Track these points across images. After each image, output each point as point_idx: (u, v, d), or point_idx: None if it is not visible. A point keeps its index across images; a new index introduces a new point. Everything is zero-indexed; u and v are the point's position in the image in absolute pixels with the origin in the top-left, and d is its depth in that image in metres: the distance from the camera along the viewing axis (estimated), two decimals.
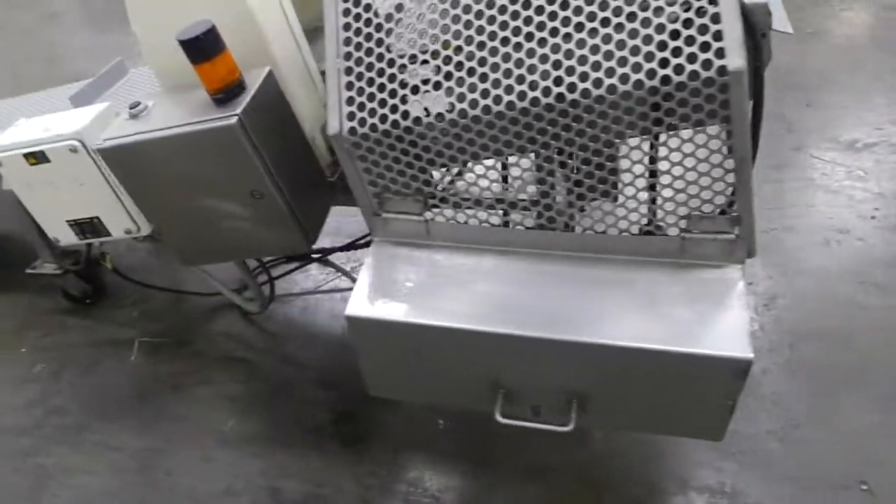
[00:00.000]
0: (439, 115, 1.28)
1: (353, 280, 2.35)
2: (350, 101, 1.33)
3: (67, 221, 1.90)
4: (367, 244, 2.23)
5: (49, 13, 4.70)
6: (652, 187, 1.28)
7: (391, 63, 1.29)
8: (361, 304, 1.36)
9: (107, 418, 2.01)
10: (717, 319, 1.22)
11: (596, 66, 1.14)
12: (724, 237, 1.26)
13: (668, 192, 1.25)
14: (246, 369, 2.10)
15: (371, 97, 1.31)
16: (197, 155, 1.42)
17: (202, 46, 1.35)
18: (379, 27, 1.32)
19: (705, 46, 1.08)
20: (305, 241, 1.53)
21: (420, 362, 1.43)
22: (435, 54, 1.29)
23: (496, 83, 1.21)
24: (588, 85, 1.14)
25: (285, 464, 1.84)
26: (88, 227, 1.91)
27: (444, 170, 1.41)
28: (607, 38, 1.14)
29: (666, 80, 1.10)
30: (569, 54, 1.16)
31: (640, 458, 1.72)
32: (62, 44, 4.30)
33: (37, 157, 1.79)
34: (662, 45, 1.11)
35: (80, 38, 4.37)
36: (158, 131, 1.42)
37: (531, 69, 1.18)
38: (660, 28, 1.12)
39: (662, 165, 1.24)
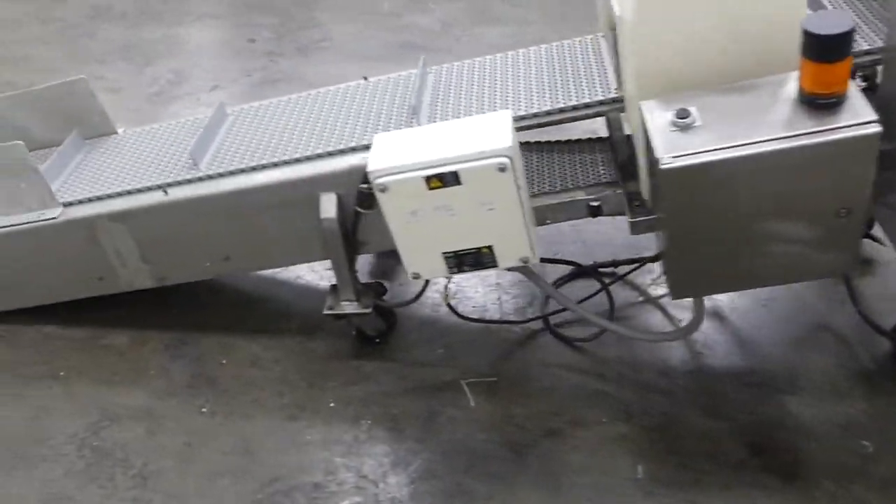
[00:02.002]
0: None
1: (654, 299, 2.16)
2: None
3: (444, 253, 1.62)
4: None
5: (93, 6, 4.10)
6: None
7: None
8: None
9: (490, 477, 1.72)
10: None
11: None
12: None
13: None
14: (615, 405, 1.87)
15: None
16: (800, 170, 1.21)
17: (839, 45, 1.13)
18: None
19: None
20: (857, 261, 1.35)
21: None
22: None
23: None
24: None
25: None
26: (472, 258, 1.63)
27: None
28: None
29: None
30: None
31: None
32: (138, 41, 3.73)
33: (444, 180, 1.50)
34: None
35: (150, 33, 3.81)
36: (758, 145, 1.20)
37: None
38: None
39: None
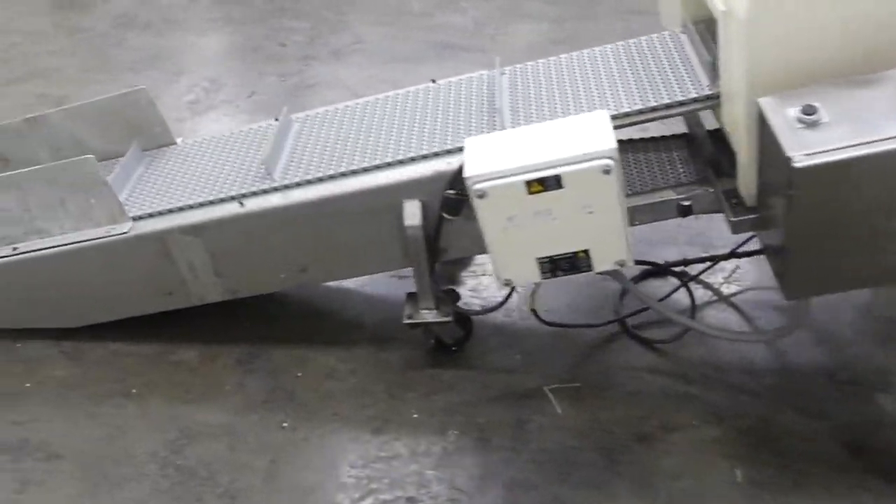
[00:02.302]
0: None
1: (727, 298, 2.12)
2: None
3: (539, 258, 1.59)
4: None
5: (116, 17, 4.05)
6: None
7: None
8: None
9: (586, 485, 1.68)
10: None
11: None
12: None
13: None
14: (703, 407, 1.82)
15: None
16: None
17: None
18: None
19: None
20: None
21: None
22: None
23: None
24: None
25: None
26: (567, 263, 1.60)
27: None
28: None
29: None
30: None
31: None
32: (166, 50, 3.65)
33: (545, 184, 1.46)
34: None
35: (178, 40, 3.75)
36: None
37: None
38: None
39: None
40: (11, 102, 3.29)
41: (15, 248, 1.96)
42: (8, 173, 1.97)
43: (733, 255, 2.07)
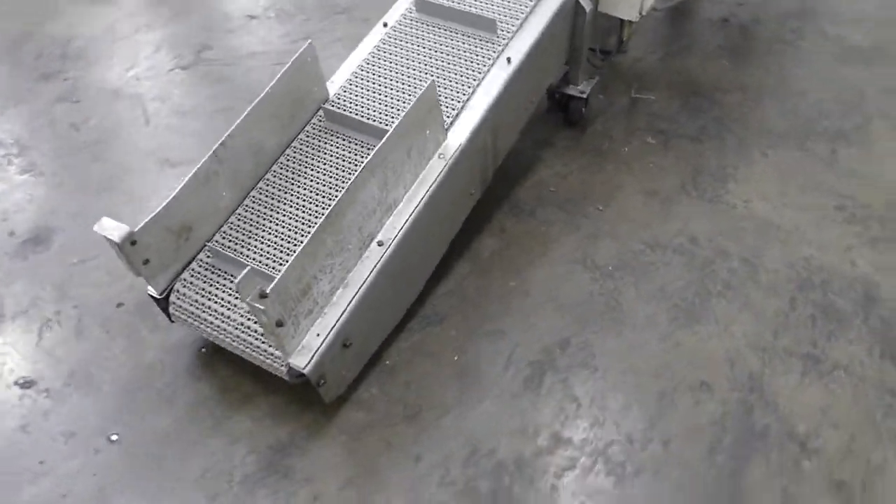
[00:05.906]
0: None
1: None
2: None
3: None
4: None
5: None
6: None
7: None
8: None
9: (711, 115, 2.59)
10: None
11: None
12: None
13: None
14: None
15: None
16: None
17: None
18: None
19: None
20: None
21: None
22: None
23: None
24: None
25: None
26: None
27: None
28: None
29: None
30: None
31: None
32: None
33: None
34: None
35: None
36: None
37: None
38: None
39: None
40: None
41: (380, 244, 1.65)
42: (372, 155, 1.58)
43: None
